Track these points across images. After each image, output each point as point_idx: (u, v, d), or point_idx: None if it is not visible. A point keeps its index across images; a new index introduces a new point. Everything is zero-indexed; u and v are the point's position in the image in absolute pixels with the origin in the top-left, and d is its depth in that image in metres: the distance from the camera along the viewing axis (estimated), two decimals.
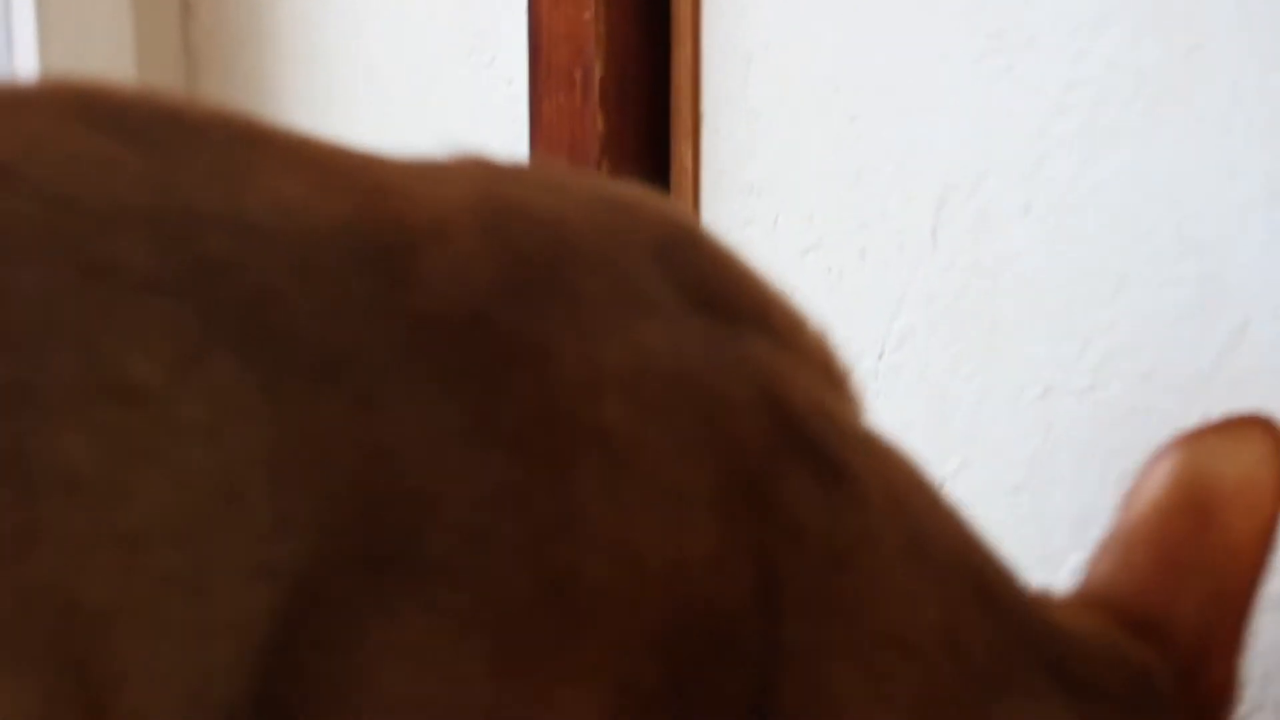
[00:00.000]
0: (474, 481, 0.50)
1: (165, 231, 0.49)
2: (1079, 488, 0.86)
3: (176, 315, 0.48)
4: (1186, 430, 0.66)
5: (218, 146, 0.53)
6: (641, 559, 0.51)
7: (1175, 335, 0.82)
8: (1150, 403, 0.83)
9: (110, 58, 1.35)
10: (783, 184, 1.00)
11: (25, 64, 1.33)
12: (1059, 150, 0.86)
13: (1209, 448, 0.65)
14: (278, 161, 0.54)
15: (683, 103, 1.06)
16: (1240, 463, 0.64)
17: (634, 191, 0.61)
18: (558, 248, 0.55)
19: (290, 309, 0.49)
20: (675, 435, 0.53)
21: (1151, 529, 0.64)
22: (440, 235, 0.53)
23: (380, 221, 0.53)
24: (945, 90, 0.91)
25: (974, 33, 0.89)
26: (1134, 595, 0.62)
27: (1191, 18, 0.81)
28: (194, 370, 0.47)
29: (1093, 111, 0.85)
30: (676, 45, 1.06)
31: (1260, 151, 0.79)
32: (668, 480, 0.52)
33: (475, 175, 0.58)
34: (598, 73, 1.07)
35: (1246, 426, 0.65)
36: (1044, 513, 0.88)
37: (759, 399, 0.55)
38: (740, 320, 0.57)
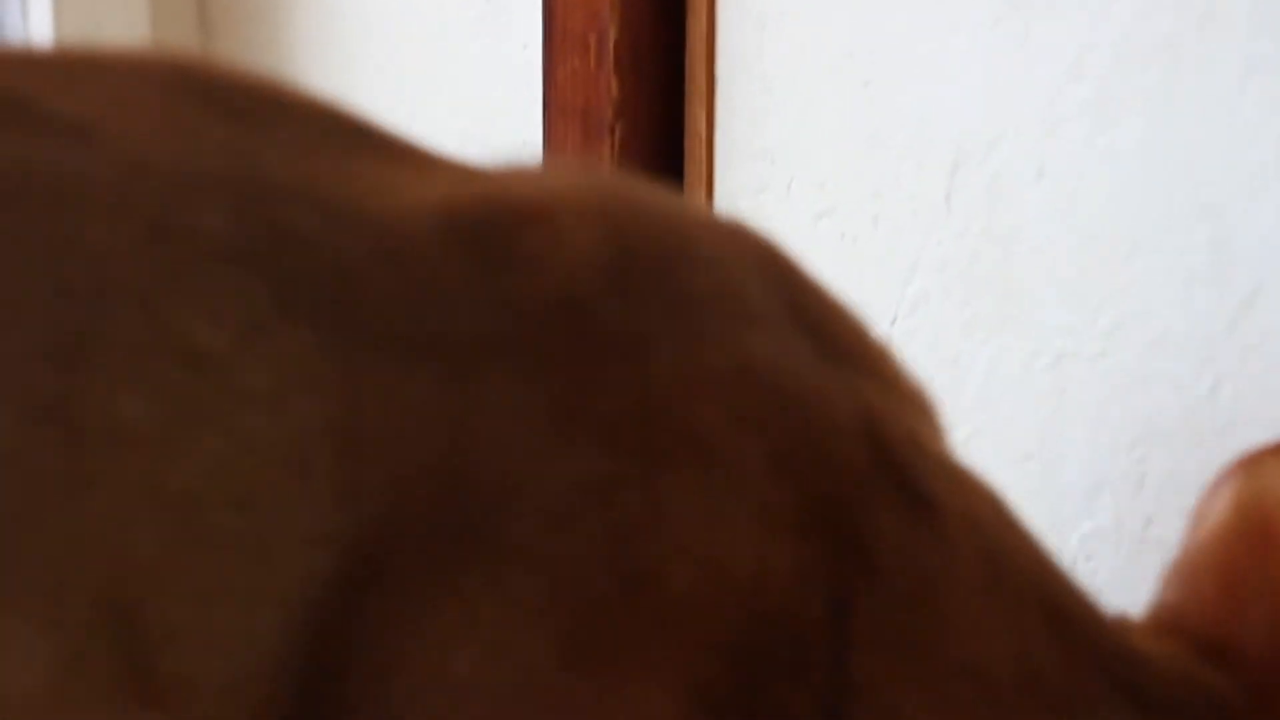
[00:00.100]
0: (560, 470, 0.49)
1: (242, 201, 0.49)
2: (1091, 455, 0.86)
3: (247, 285, 0.48)
4: (1247, 452, 0.66)
5: (307, 127, 0.53)
6: (723, 567, 0.51)
7: (1187, 301, 0.82)
8: (1162, 369, 0.83)
9: (126, 24, 1.36)
10: (796, 150, 1.00)
11: (40, 30, 1.34)
12: (1073, 116, 0.86)
13: (1270, 470, 0.65)
14: (369, 148, 0.54)
15: (697, 68, 1.06)
16: None
17: (747, 227, 0.61)
18: (669, 243, 0.55)
19: (372, 287, 0.49)
20: (769, 447, 0.52)
21: (1215, 555, 0.64)
22: (545, 219, 0.53)
23: (478, 203, 0.52)
24: (959, 56, 0.91)
25: None
26: (1203, 621, 0.62)
27: None
28: (261, 340, 0.47)
29: (1107, 77, 0.85)
30: (691, 10, 1.06)
31: (1273, 118, 0.79)
32: (757, 492, 0.52)
33: (588, 172, 0.57)
34: (612, 37, 1.06)
35: None
36: (1055, 480, 0.88)
37: (858, 425, 0.55)
38: (840, 350, 0.57)
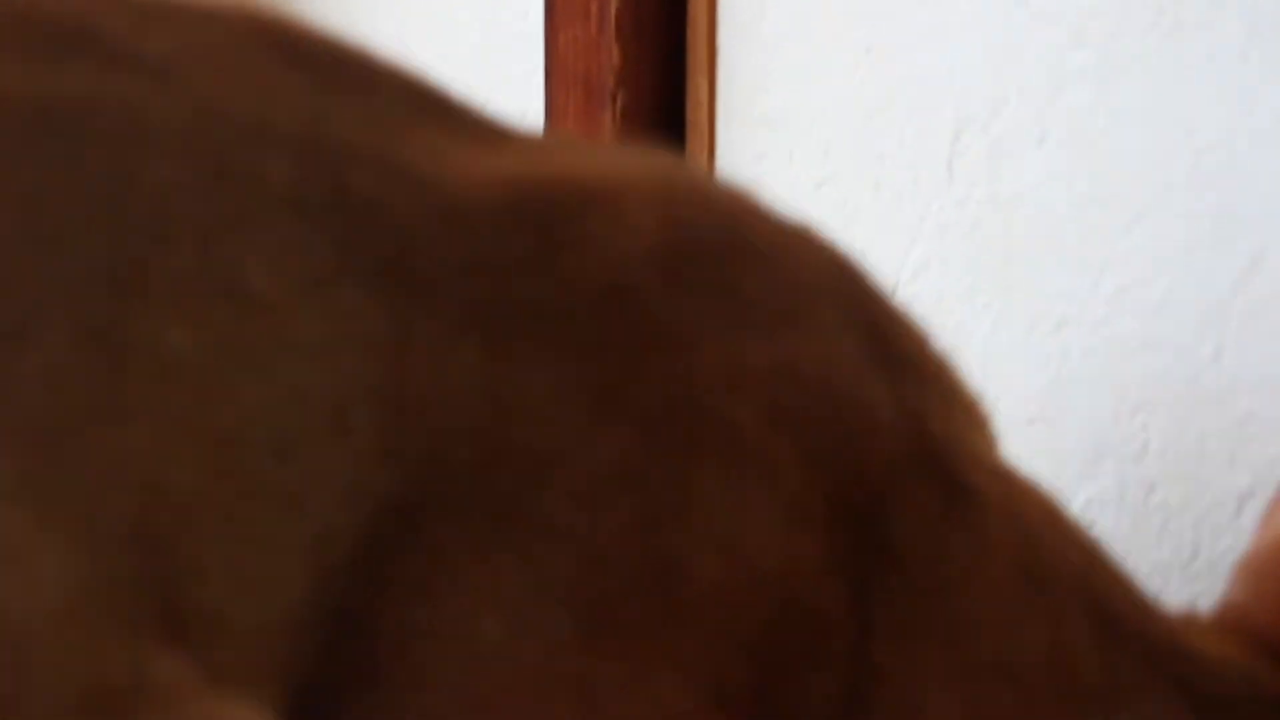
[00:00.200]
0: (596, 451, 0.50)
1: (313, 157, 0.49)
2: (1093, 420, 0.86)
3: (310, 238, 0.48)
4: None
5: (387, 94, 0.53)
6: (750, 560, 0.51)
7: (1190, 267, 0.82)
8: (1164, 335, 0.83)
9: None
10: (798, 117, 1.00)
11: None
12: (1075, 82, 0.86)
13: None
14: (448, 120, 0.54)
15: (698, 36, 1.05)
16: None
17: (815, 231, 0.61)
18: (727, 238, 0.55)
19: (430, 254, 0.49)
20: (803, 445, 0.53)
21: None
22: (612, 204, 0.53)
23: (550, 181, 0.52)
24: (961, 21, 0.91)
25: None
26: (1268, 622, 0.62)
27: None
28: (319, 295, 0.48)
29: (1109, 43, 0.85)
30: None
31: (1276, 83, 0.79)
32: (789, 488, 0.52)
33: (661, 161, 0.57)
34: (613, 4, 1.06)
35: None
36: (1058, 445, 0.88)
37: (900, 425, 0.55)
38: (895, 355, 0.58)
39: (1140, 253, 0.84)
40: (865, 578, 0.54)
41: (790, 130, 1.00)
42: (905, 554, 0.54)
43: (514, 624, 0.49)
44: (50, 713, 0.43)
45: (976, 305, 0.91)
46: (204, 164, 0.48)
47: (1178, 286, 0.83)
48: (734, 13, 1.03)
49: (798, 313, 0.55)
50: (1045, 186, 0.88)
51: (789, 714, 0.53)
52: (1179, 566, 0.80)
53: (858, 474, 0.54)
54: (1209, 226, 0.82)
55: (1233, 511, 0.78)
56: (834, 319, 0.56)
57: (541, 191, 0.52)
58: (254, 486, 0.46)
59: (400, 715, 0.49)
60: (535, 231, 0.51)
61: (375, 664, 0.49)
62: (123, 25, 0.50)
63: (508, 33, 1.16)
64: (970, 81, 0.90)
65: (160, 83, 0.48)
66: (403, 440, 0.48)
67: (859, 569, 0.54)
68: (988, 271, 0.90)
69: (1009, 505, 0.57)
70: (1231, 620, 0.63)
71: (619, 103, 1.06)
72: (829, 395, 0.54)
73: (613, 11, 1.06)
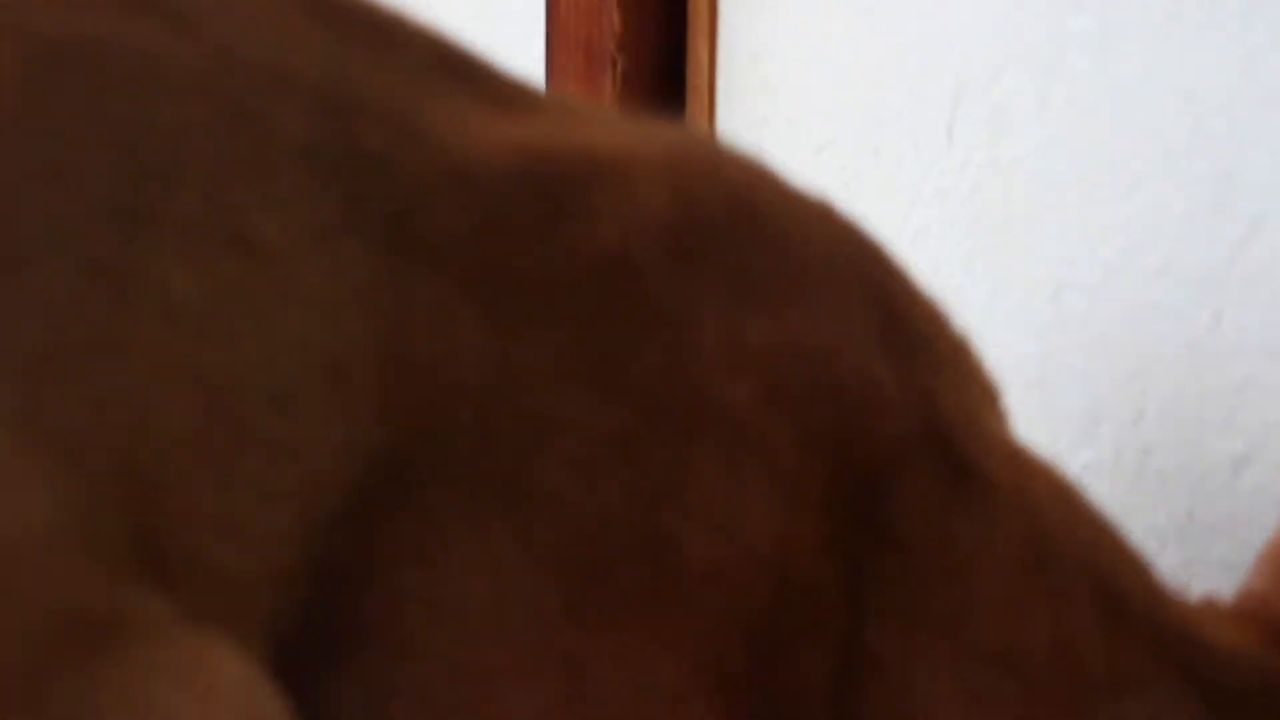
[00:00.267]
0: (593, 423, 0.50)
1: (328, 109, 0.49)
2: (1091, 385, 0.86)
3: (319, 191, 0.48)
4: None
5: (412, 56, 0.53)
6: (744, 539, 0.51)
7: (1189, 232, 0.82)
8: (1162, 300, 0.83)
9: None
10: (798, 82, 0.99)
11: None
12: (1075, 47, 0.86)
13: None
14: (472, 85, 0.54)
15: (699, 1, 1.05)
16: None
17: (834, 208, 0.61)
18: (736, 214, 0.55)
19: (438, 216, 0.49)
20: (801, 425, 0.53)
21: None
22: (622, 177, 0.53)
23: (563, 151, 0.52)
24: None
25: None
26: None
27: None
28: (325, 248, 0.48)
29: (1109, 7, 0.84)
30: None
31: (1276, 49, 0.79)
32: (787, 468, 0.52)
33: (676, 133, 0.57)
34: None
35: None
36: (1055, 410, 0.88)
37: (907, 406, 0.55)
38: (908, 334, 0.57)
39: (1139, 218, 0.84)
40: (862, 560, 0.53)
41: (790, 95, 1.00)
42: (906, 538, 0.54)
43: (505, 594, 0.49)
44: (23, 636, 0.42)
45: (975, 270, 0.91)
46: (219, 109, 0.48)
47: (1177, 252, 0.83)
48: None
49: (804, 290, 0.55)
50: (1045, 151, 0.88)
51: (782, 696, 0.53)
52: (1175, 531, 0.80)
53: (859, 455, 0.54)
54: (1208, 192, 0.82)
55: (1229, 476, 0.78)
56: (842, 297, 0.56)
57: (552, 162, 0.52)
58: (248, 434, 0.46)
59: (387, 681, 0.49)
60: (542, 201, 0.51)
61: (364, 626, 0.49)
62: None
63: None
64: (970, 47, 0.90)
65: (180, 26, 0.48)
66: (400, 398, 0.48)
67: (856, 551, 0.53)
68: (987, 236, 0.90)
69: (1019, 490, 0.56)
70: (1250, 609, 0.62)
71: (619, 68, 1.06)
72: (831, 375, 0.54)
73: None
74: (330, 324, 0.48)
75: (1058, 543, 0.57)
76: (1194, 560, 0.78)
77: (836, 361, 0.54)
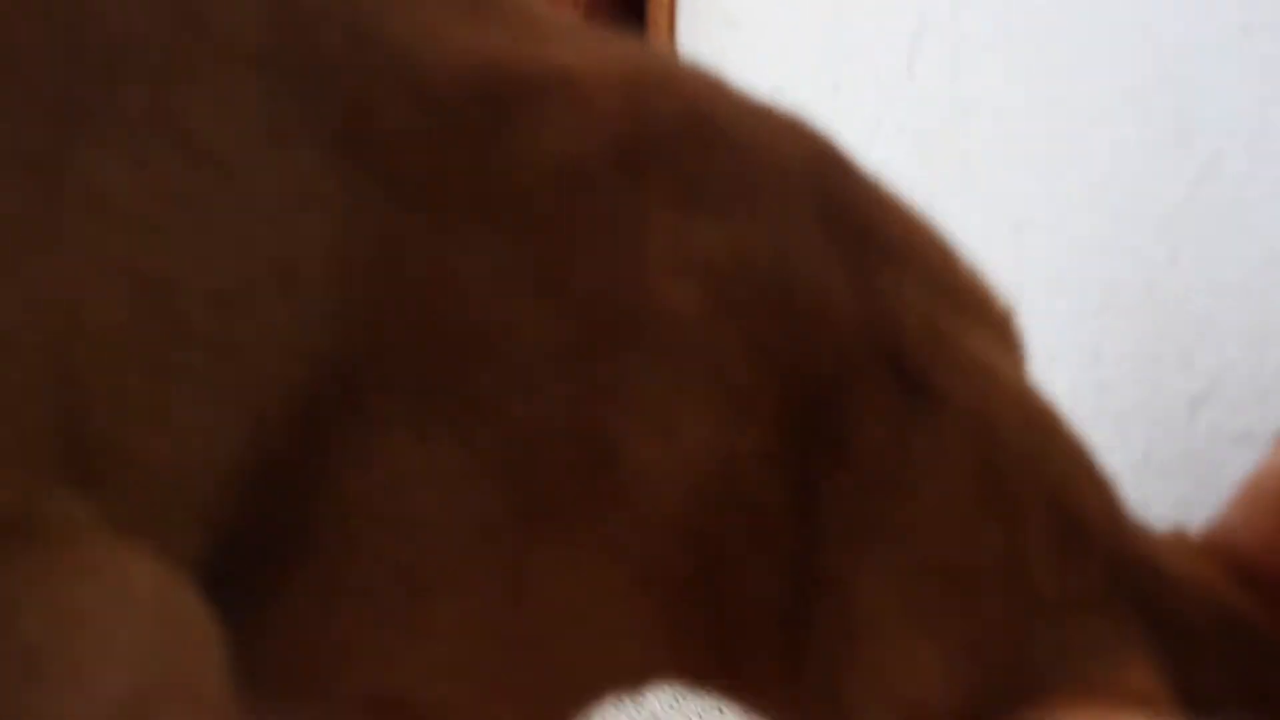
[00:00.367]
0: (535, 331, 0.50)
1: (286, 17, 0.49)
2: (1049, 322, 0.86)
3: (273, 98, 0.48)
4: None
5: None
6: (687, 447, 0.51)
7: (1149, 168, 0.82)
8: (1121, 236, 0.83)
9: None
10: (759, 16, 0.99)
11: None
12: None
13: None
14: None
15: None
16: None
17: (802, 122, 0.60)
18: (689, 127, 0.54)
19: (393, 125, 0.50)
20: (750, 332, 0.53)
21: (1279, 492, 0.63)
22: (575, 88, 0.53)
23: (519, 62, 0.52)
24: None
25: None
26: (1251, 548, 0.61)
27: None
28: (277, 153, 0.48)
29: None
30: None
31: None
32: (731, 376, 0.52)
33: (639, 50, 0.57)
34: None
35: None
36: None
37: (863, 314, 0.55)
38: (874, 246, 0.57)
39: (1098, 156, 0.84)
40: (815, 475, 0.53)
41: (751, 30, 0.99)
42: (859, 451, 0.54)
43: (449, 501, 0.50)
44: None
45: (934, 208, 0.91)
46: (170, 11, 0.47)
47: (1135, 190, 0.83)
48: None
49: (756, 200, 0.55)
50: (1005, 89, 0.87)
51: (728, 609, 0.53)
52: (1131, 469, 0.80)
53: (810, 369, 0.54)
54: (1168, 129, 0.81)
55: (1185, 415, 0.78)
56: (797, 208, 0.56)
57: (507, 72, 0.52)
58: (185, 332, 0.46)
59: (336, 585, 0.49)
60: (494, 109, 0.51)
61: (312, 531, 0.49)
62: None
63: None
64: None
65: None
66: (349, 304, 0.48)
67: (809, 465, 0.53)
68: (946, 174, 0.90)
69: (978, 410, 0.56)
70: (1217, 543, 0.62)
71: (582, 1, 1.05)
72: (781, 284, 0.54)
73: None
74: (281, 228, 0.48)
75: (1016, 464, 0.56)
76: (1151, 499, 0.79)
77: (786, 271, 0.54)
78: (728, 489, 0.52)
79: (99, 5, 0.47)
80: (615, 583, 0.51)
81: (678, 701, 0.79)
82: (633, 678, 0.55)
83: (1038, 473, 0.57)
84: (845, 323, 0.54)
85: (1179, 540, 0.62)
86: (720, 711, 0.80)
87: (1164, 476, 0.78)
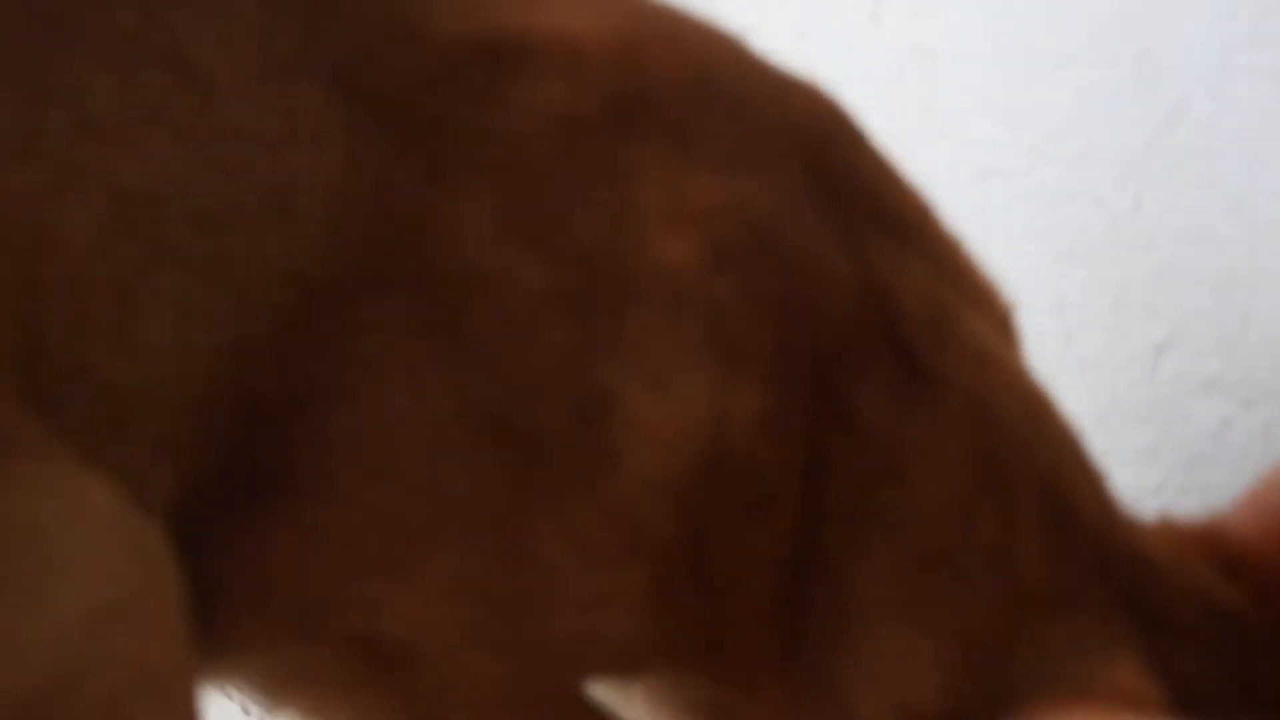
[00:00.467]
0: (530, 279, 0.50)
1: None
2: (1016, 270, 0.86)
3: (273, 32, 0.48)
4: None
5: None
6: (682, 402, 0.51)
7: (1112, 115, 0.82)
8: (1086, 184, 0.83)
9: None
10: None
11: None
12: None
13: None
14: None
15: None
16: None
17: (815, 88, 0.59)
18: (690, 82, 0.54)
19: (392, 69, 0.50)
20: (746, 289, 0.52)
21: None
22: (574, 42, 0.53)
23: (520, 19, 0.52)
24: None
25: None
26: (1244, 543, 0.60)
27: None
28: (274, 85, 0.48)
29: None
30: None
31: None
32: (730, 332, 0.52)
33: (649, 6, 0.56)
34: None
35: None
36: None
37: (861, 287, 0.54)
38: (876, 217, 0.56)
39: (1062, 102, 0.84)
40: (820, 449, 0.53)
41: None
42: (859, 430, 0.53)
43: (439, 448, 0.49)
44: None
45: (900, 155, 0.90)
46: None
47: (1100, 136, 0.83)
48: None
49: (756, 159, 0.54)
50: (969, 35, 0.87)
51: (720, 580, 0.53)
52: (1096, 417, 0.80)
53: (807, 330, 0.53)
54: (1132, 73, 0.81)
55: (1150, 363, 0.78)
56: (799, 170, 0.55)
57: (510, 30, 0.52)
58: (161, 250, 0.46)
59: (316, 527, 0.49)
60: (493, 61, 0.51)
61: (293, 468, 0.48)
62: None
63: None
64: None
65: None
66: (347, 240, 0.48)
67: (812, 437, 0.53)
68: (911, 121, 0.90)
69: (976, 395, 0.55)
70: (1205, 532, 0.61)
71: None
72: (779, 243, 0.53)
73: None
74: (276, 157, 0.48)
75: (1012, 452, 0.56)
76: (1115, 448, 0.79)
77: (785, 231, 0.54)
78: (724, 450, 0.52)
79: None
80: (605, 548, 0.51)
81: None
82: (620, 656, 0.55)
83: (1032, 460, 0.56)
84: (843, 292, 0.54)
85: (1167, 530, 0.61)
86: None
87: (1129, 424, 0.78)
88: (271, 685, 0.53)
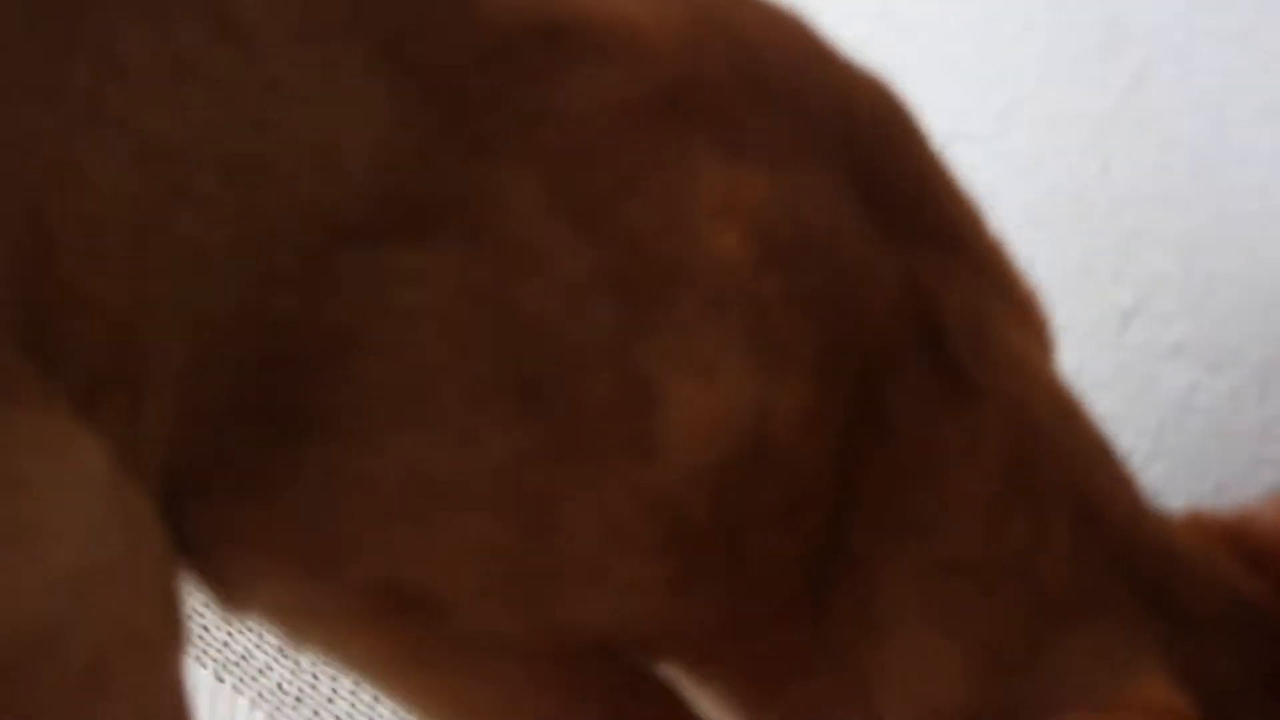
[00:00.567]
0: (581, 259, 0.50)
1: None
2: None
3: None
4: None
5: None
6: (725, 394, 0.51)
7: (1078, 78, 0.82)
8: (1054, 149, 0.83)
9: None
10: None
11: None
12: None
13: None
14: None
15: None
16: None
17: (877, 81, 0.60)
18: (747, 74, 0.54)
19: (448, 46, 0.50)
20: (794, 287, 0.52)
21: None
22: (631, 32, 0.52)
23: (580, 4, 0.52)
24: None
25: None
26: (1268, 537, 0.60)
27: None
28: (319, 47, 0.48)
29: None
30: None
31: None
32: (775, 327, 0.52)
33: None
34: None
35: None
36: None
37: (905, 291, 0.54)
38: (923, 224, 0.56)
39: (1031, 66, 0.84)
40: (856, 446, 0.53)
41: None
42: (896, 430, 0.53)
43: (477, 409, 0.49)
44: None
45: None
46: None
47: (1068, 100, 0.82)
48: None
49: (808, 156, 0.54)
50: (935, 1, 0.87)
51: (750, 572, 0.53)
52: None
53: (851, 330, 0.53)
54: (1098, 37, 0.81)
55: (1117, 328, 0.79)
56: (852, 168, 0.55)
57: (569, 14, 0.52)
58: (185, 195, 0.46)
59: (344, 473, 0.49)
60: (550, 47, 0.51)
61: (321, 412, 0.49)
62: None
63: None
64: None
65: None
66: (388, 194, 0.48)
67: (848, 436, 0.53)
68: None
69: (1014, 402, 0.55)
70: (1230, 525, 0.61)
71: None
72: (826, 241, 0.53)
73: None
74: (313, 112, 0.48)
75: (1045, 459, 0.56)
76: None
77: (833, 231, 0.54)
78: (763, 444, 0.52)
79: None
80: (637, 533, 0.51)
81: None
82: (641, 636, 0.55)
83: (1065, 469, 0.56)
84: (886, 295, 0.54)
85: (1195, 523, 0.61)
86: None
87: (1096, 390, 0.78)
88: (293, 623, 0.53)
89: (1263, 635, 0.57)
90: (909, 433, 0.54)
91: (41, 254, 0.45)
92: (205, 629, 0.92)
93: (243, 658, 0.91)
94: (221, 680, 0.91)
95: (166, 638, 0.48)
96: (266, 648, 0.91)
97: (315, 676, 0.90)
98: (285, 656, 0.91)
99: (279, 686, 0.90)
